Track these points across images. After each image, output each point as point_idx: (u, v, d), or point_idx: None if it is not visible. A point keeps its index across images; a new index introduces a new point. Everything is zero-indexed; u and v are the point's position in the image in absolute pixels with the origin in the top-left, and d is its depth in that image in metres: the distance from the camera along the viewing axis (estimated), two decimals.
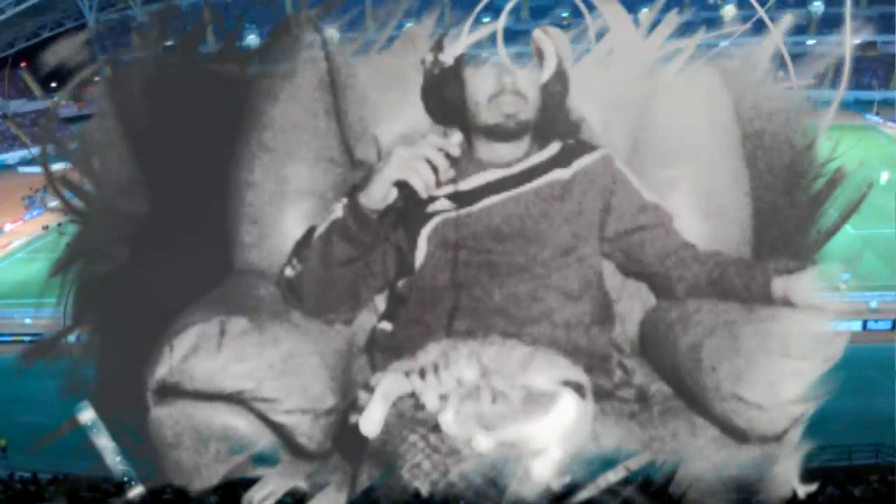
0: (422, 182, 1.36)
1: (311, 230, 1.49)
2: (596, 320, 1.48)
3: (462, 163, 1.48)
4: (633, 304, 1.62)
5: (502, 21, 1.52)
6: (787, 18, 1.65)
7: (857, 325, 11.95)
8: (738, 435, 1.28)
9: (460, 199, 1.48)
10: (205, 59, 1.71)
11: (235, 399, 1.24)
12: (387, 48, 1.71)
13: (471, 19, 1.55)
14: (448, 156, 1.40)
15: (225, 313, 1.28)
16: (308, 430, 1.28)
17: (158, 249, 1.52)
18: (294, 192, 1.59)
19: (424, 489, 1.15)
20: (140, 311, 1.43)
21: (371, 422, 1.26)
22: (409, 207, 1.43)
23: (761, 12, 1.65)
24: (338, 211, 1.43)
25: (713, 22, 1.82)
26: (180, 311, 1.32)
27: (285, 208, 1.59)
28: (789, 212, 1.65)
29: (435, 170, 1.37)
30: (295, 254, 1.49)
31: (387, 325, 1.53)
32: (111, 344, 1.50)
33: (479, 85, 1.49)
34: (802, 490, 1.26)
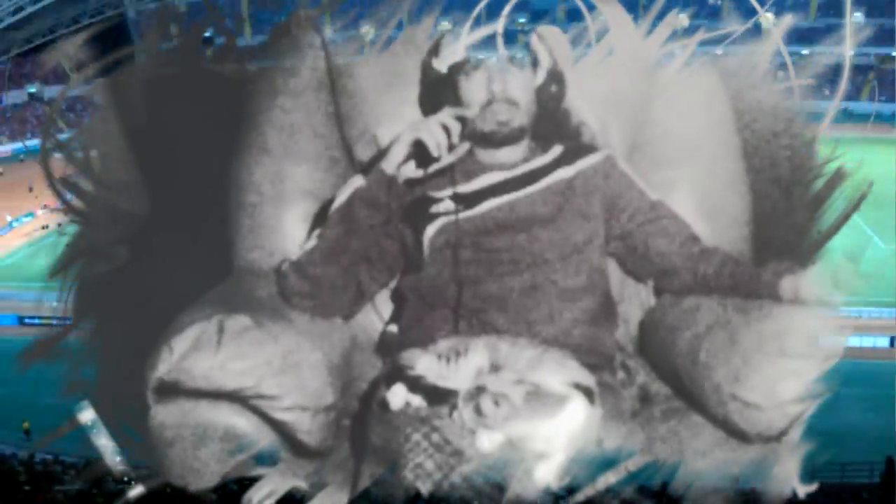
0: (434, 141, 1.42)
1: (324, 208, 1.51)
2: (600, 318, 1.49)
3: (465, 165, 1.49)
4: (634, 304, 1.62)
5: (502, 23, 1.52)
6: (787, 19, 1.65)
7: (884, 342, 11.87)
8: (739, 434, 1.28)
9: (464, 200, 1.49)
10: (205, 59, 1.71)
11: (235, 397, 1.24)
12: (386, 49, 1.71)
13: (469, 22, 1.55)
14: (462, 120, 1.45)
15: (224, 312, 1.28)
16: (308, 427, 1.28)
17: (158, 249, 1.52)
18: (294, 192, 1.59)
19: (426, 490, 1.14)
20: (140, 311, 1.43)
21: (398, 396, 1.26)
22: (424, 182, 1.47)
23: (761, 12, 1.65)
24: (358, 181, 1.48)
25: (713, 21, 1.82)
26: (180, 310, 1.32)
27: (285, 208, 1.59)
28: (789, 212, 1.64)
29: (448, 132, 1.42)
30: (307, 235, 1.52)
31: (394, 328, 1.55)
32: (111, 344, 1.50)
33: (471, 93, 1.50)
34: (802, 490, 1.26)
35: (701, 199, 1.62)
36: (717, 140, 1.67)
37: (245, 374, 1.23)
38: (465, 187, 1.50)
